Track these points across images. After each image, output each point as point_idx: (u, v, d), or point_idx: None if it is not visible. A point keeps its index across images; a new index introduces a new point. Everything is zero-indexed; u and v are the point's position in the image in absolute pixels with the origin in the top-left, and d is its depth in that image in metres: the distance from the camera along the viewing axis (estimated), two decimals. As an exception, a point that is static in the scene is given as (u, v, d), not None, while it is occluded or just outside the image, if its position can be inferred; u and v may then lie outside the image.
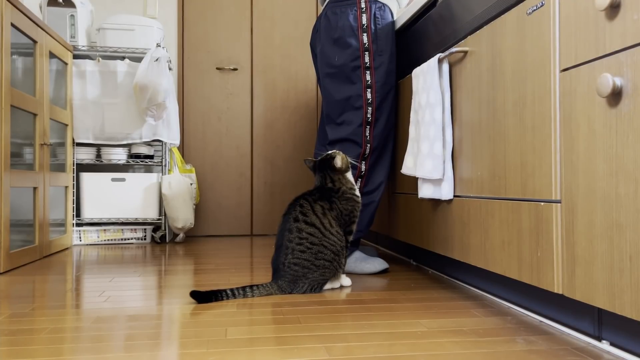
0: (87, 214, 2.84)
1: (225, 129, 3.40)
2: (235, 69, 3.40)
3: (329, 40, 1.93)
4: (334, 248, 1.54)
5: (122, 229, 2.92)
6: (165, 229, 2.95)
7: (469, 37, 1.44)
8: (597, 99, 0.93)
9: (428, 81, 1.61)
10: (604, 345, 1.03)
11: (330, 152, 1.65)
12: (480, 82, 1.37)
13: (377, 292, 1.58)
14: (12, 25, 2.07)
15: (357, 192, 1.66)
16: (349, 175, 1.67)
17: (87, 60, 2.84)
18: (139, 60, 3.01)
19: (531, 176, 1.13)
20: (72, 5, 2.87)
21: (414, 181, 1.86)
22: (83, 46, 2.89)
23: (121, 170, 3.19)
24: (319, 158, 1.67)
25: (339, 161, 1.62)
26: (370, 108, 1.90)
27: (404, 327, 1.18)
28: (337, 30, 1.91)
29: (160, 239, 2.93)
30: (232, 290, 1.47)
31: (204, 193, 3.36)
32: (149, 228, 2.97)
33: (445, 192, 1.54)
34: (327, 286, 1.59)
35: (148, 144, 3.01)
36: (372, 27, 1.90)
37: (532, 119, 1.13)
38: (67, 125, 2.75)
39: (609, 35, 0.90)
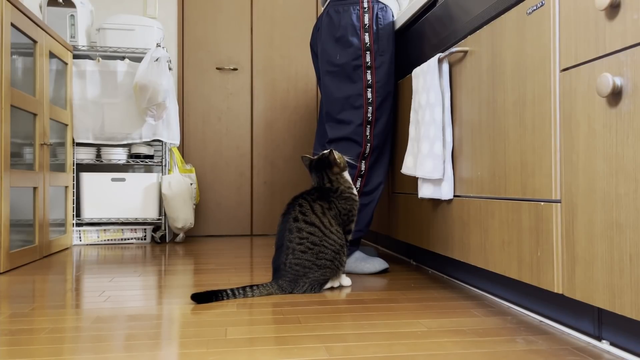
0: (87, 214, 2.84)
1: (225, 129, 3.40)
2: (235, 69, 3.40)
3: (331, 38, 1.93)
4: (335, 247, 1.54)
5: (122, 229, 2.92)
6: (165, 229, 2.95)
7: (469, 37, 1.44)
8: (597, 99, 0.93)
9: (428, 81, 1.61)
10: (604, 345, 1.03)
11: (325, 151, 1.66)
12: (480, 82, 1.37)
13: (377, 292, 1.58)
14: (12, 25, 2.07)
15: (355, 191, 1.66)
16: (346, 174, 1.68)
17: (87, 60, 2.84)
18: (139, 60, 3.01)
19: (531, 176, 1.13)
20: (72, 5, 2.87)
21: (413, 181, 1.86)
22: (83, 46, 2.89)
23: (121, 170, 3.19)
24: (315, 158, 1.67)
25: (335, 156, 1.62)
26: (370, 107, 1.90)
27: (404, 327, 1.18)
28: (339, 28, 1.91)
29: (160, 239, 2.93)
30: (232, 290, 1.47)
31: (204, 193, 3.36)
32: (149, 228, 2.97)
33: (445, 192, 1.54)
34: (327, 285, 1.59)
35: (148, 144, 3.01)
36: (374, 27, 1.90)
37: (532, 118, 1.13)
38: (67, 125, 2.75)
39: (609, 35, 0.90)
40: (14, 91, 2.06)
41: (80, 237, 2.86)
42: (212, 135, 3.39)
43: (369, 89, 1.90)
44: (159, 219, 2.94)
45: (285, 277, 1.52)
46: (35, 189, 2.29)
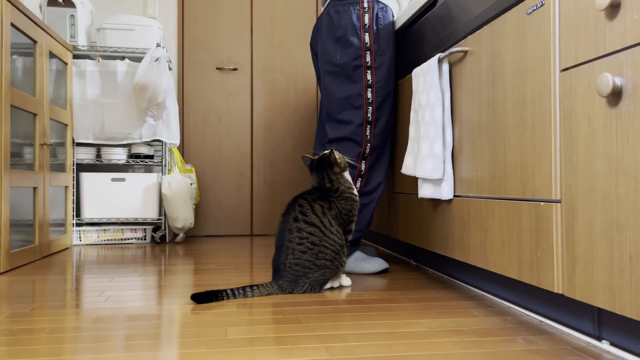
0: (87, 214, 2.84)
1: (225, 129, 3.40)
2: (235, 69, 3.40)
3: (331, 38, 1.93)
4: (335, 247, 1.54)
5: (122, 229, 2.92)
6: (165, 229, 2.95)
7: (469, 37, 1.44)
8: (597, 99, 0.93)
9: (428, 81, 1.61)
10: (604, 345, 1.03)
11: (325, 152, 1.66)
12: (480, 82, 1.37)
13: (377, 292, 1.58)
14: (12, 25, 2.07)
15: (355, 192, 1.66)
16: (347, 174, 1.68)
17: (87, 60, 2.84)
18: (139, 60, 3.01)
19: (531, 176, 1.13)
20: (72, 5, 2.87)
21: (413, 181, 1.86)
22: (83, 46, 2.89)
23: (121, 170, 3.19)
24: (316, 157, 1.67)
25: (336, 156, 1.62)
26: (370, 107, 1.90)
27: (404, 327, 1.18)
28: (339, 28, 1.91)
29: (160, 239, 2.93)
30: (232, 290, 1.47)
31: (204, 193, 3.36)
32: (149, 228, 2.97)
33: (445, 192, 1.54)
34: (327, 285, 1.59)
35: (148, 144, 3.01)
36: (374, 27, 1.90)
37: (532, 118, 1.13)
38: (67, 125, 2.75)
39: (609, 35, 0.90)
40: (14, 91, 2.06)
41: (80, 237, 2.86)
42: (212, 135, 3.39)
43: (369, 89, 1.90)
44: (159, 219, 2.94)
45: (285, 277, 1.52)
46: (35, 189, 2.29)
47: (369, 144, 1.92)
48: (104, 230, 2.90)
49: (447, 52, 1.51)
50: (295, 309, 1.36)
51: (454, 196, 1.54)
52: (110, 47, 2.92)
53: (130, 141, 2.90)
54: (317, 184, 1.65)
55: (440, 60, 1.57)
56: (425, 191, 1.65)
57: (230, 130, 3.41)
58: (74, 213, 2.83)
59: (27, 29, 2.20)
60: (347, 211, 1.61)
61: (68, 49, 2.74)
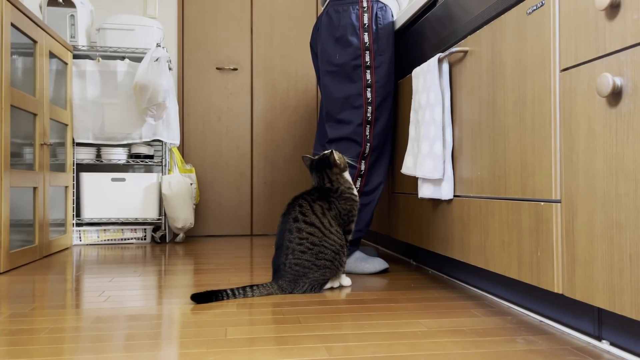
0: (87, 214, 2.84)
1: (225, 129, 3.40)
2: (235, 69, 3.40)
3: (331, 38, 1.94)
4: (334, 247, 1.54)
5: (122, 229, 2.92)
6: (165, 229, 2.95)
7: (468, 37, 1.44)
8: (597, 99, 0.93)
9: (428, 81, 1.61)
10: (604, 345, 1.03)
11: (325, 152, 1.66)
12: (480, 82, 1.37)
13: (377, 292, 1.58)
14: (12, 25, 2.07)
15: (355, 192, 1.66)
16: (347, 174, 1.68)
17: (87, 60, 2.84)
18: (139, 60, 3.01)
19: (531, 176, 1.13)
20: (72, 5, 2.87)
21: (413, 181, 1.86)
22: (83, 46, 2.89)
23: (121, 170, 3.20)
24: (316, 158, 1.67)
25: (336, 157, 1.62)
26: (370, 107, 1.90)
27: (403, 327, 1.18)
28: (339, 28, 1.91)
29: (160, 239, 2.93)
30: (232, 290, 1.47)
31: (204, 193, 3.36)
32: (149, 228, 2.97)
33: (445, 192, 1.54)
34: (327, 285, 1.60)
35: (148, 144, 3.01)
36: (374, 26, 1.90)
37: (532, 118, 1.13)
38: (67, 125, 2.75)
39: (609, 35, 0.90)
40: (14, 91, 2.06)
41: (80, 237, 2.86)
42: (212, 135, 3.39)
43: (369, 89, 1.90)
44: (159, 219, 2.94)
45: (285, 278, 1.52)
46: (35, 189, 2.29)
47: (368, 144, 1.92)
48: (104, 230, 2.90)
49: (447, 52, 1.51)
50: (295, 309, 1.36)
51: (454, 196, 1.54)
52: (110, 47, 2.92)
53: (130, 141, 2.90)
54: (317, 184, 1.65)
55: (440, 60, 1.57)
56: (425, 191, 1.65)
57: (230, 130, 3.41)
58: (74, 213, 2.83)
59: (27, 29, 2.20)
60: (346, 211, 1.61)
61: (68, 49, 2.74)
